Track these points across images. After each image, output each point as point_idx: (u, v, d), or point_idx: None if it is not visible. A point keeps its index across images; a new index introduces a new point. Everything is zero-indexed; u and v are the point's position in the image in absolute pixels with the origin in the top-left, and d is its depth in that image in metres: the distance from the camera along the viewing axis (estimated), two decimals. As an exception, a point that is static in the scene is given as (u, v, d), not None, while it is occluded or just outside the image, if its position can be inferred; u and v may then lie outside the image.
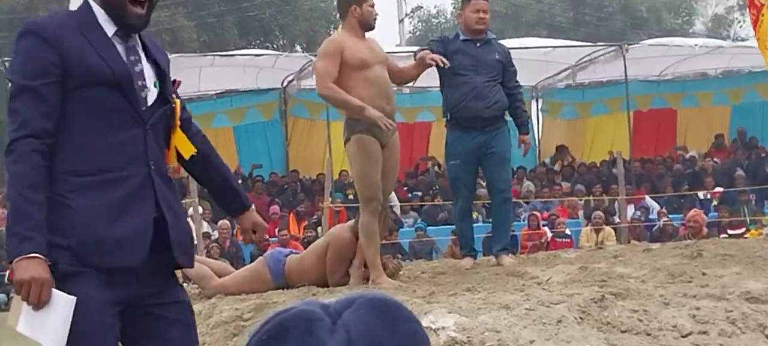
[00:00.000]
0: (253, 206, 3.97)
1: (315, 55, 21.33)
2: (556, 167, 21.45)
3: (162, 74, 3.53)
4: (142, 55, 3.49)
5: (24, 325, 3.25)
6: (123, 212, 3.34)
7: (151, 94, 3.45)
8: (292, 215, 18.04)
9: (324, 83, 6.78)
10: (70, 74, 3.29)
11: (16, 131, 3.27)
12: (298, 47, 32.65)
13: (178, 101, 3.61)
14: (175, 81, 3.64)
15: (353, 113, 6.82)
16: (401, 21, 37.07)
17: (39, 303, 3.19)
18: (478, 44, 7.73)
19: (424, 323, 4.83)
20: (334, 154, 18.46)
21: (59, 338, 3.24)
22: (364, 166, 6.81)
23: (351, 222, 7.73)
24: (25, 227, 3.24)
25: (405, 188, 20.33)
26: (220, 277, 7.44)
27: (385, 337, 1.00)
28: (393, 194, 19.57)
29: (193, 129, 3.75)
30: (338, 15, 7.42)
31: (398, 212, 18.67)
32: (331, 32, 37.46)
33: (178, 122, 3.58)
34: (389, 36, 37.74)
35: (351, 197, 18.31)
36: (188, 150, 3.60)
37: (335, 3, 7.41)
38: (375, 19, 7.04)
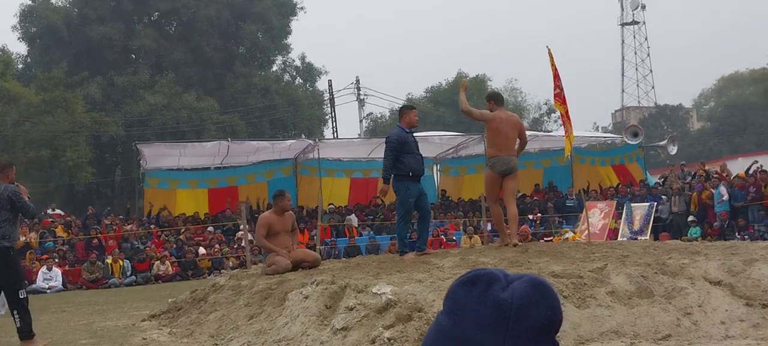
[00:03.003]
0: None
1: (314, 140, 21.31)
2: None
3: None
4: None
5: None
6: None
7: None
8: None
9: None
10: None
11: None
12: (303, 135, 32.43)
13: None
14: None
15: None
16: (361, 121, 37.26)
17: None
18: (414, 134, 7.46)
19: (373, 290, 4.80)
20: (323, 196, 18.29)
21: None
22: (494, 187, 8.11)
23: (270, 210, 7.58)
24: None
25: (363, 213, 20.20)
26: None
27: (534, 302, 0.89)
28: (353, 215, 19.50)
29: None
30: (488, 102, 7.67)
31: (356, 223, 18.53)
32: (322, 128, 37.50)
33: None
34: (353, 129, 37.72)
35: (332, 222, 18.16)
36: None
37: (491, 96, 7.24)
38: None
